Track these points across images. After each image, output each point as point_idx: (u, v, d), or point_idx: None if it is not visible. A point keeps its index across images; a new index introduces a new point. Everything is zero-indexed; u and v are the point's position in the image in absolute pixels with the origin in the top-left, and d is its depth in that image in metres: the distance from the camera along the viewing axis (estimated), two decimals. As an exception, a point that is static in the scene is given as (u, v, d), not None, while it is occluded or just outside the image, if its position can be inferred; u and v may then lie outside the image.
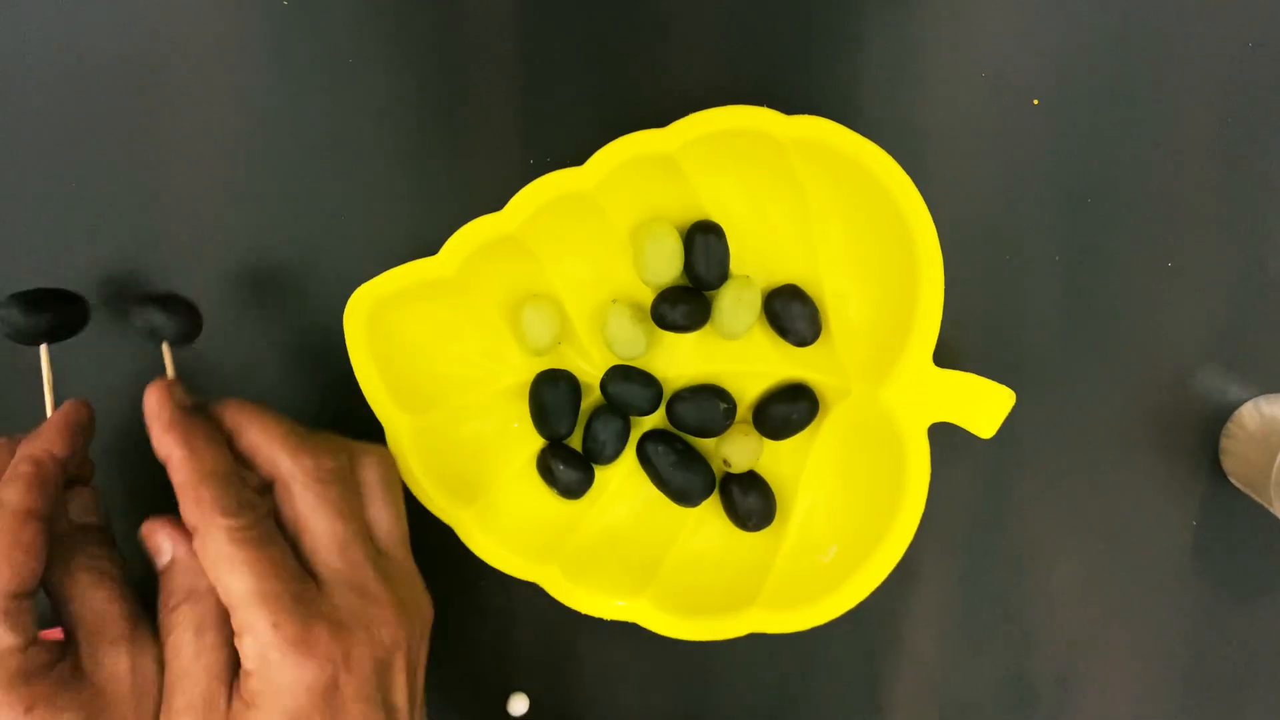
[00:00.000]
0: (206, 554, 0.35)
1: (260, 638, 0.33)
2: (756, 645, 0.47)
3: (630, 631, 0.46)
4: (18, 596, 0.33)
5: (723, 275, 0.46)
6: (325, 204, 0.48)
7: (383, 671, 0.36)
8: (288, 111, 0.48)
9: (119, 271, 0.49)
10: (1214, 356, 0.50)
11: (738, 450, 0.47)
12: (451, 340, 0.47)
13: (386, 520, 0.40)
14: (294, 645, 0.33)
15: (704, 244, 0.45)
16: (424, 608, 0.40)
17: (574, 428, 0.48)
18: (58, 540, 0.36)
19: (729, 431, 0.47)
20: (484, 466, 0.48)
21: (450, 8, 0.47)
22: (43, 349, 0.46)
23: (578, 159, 0.43)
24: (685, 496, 0.47)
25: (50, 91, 0.48)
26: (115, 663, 0.35)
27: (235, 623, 0.34)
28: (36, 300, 0.45)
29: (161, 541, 0.38)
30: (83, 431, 0.39)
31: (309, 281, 0.49)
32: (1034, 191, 0.48)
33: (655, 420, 0.49)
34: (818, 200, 0.45)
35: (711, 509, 0.48)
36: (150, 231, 0.49)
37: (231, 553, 0.34)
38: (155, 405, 0.39)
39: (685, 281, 0.47)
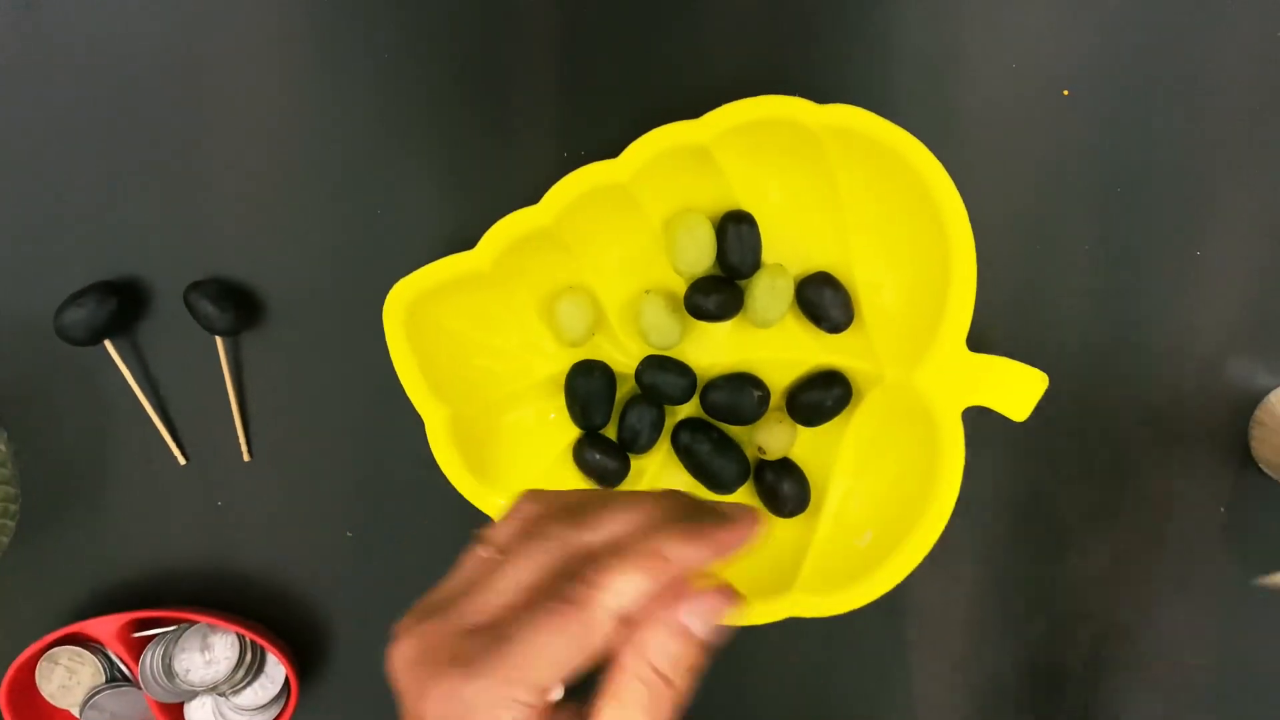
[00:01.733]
0: None
1: None
2: (790, 631, 0.47)
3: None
4: (548, 691, 0.30)
5: (755, 264, 0.47)
6: (363, 200, 0.49)
7: None
8: (326, 107, 0.49)
9: (171, 264, 0.50)
10: (1243, 344, 0.50)
11: (772, 437, 0.47)
12: (488, 332, 0.48)
13: None
14: None
15: (737, 233, 0.46)
16: None
17: (610, 418, 0.48)
18: (641, 638, 0.32)
19: (763, 419, 0.48)
20: (521, 457, 0.48)
21: (488, 5, 0.48)
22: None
23: (612, 152, 0.43)
24: (720, 484, 0.48)
25: (99, 92, 0.49)
26: None
27: None
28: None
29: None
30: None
31: (348, 276, 0.50)
32: (1064, 180, 0.49)
33: (690, 409, 0.49)
34: (850, 188, 0.45)
35: (747, 496, 0.49)
36: (196, 225, 0.50)
37: None
38: None
39: (718, 271, 0.47)
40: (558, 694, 0.30)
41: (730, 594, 0.32)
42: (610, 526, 0.32)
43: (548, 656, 0.30)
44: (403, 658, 0.31)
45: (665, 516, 0.32)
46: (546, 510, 0.34)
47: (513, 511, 0.34)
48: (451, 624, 0.31)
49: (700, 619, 0.32)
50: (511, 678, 0.30)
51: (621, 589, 0.30)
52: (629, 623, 0.30)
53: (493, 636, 0.31)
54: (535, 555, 0.32)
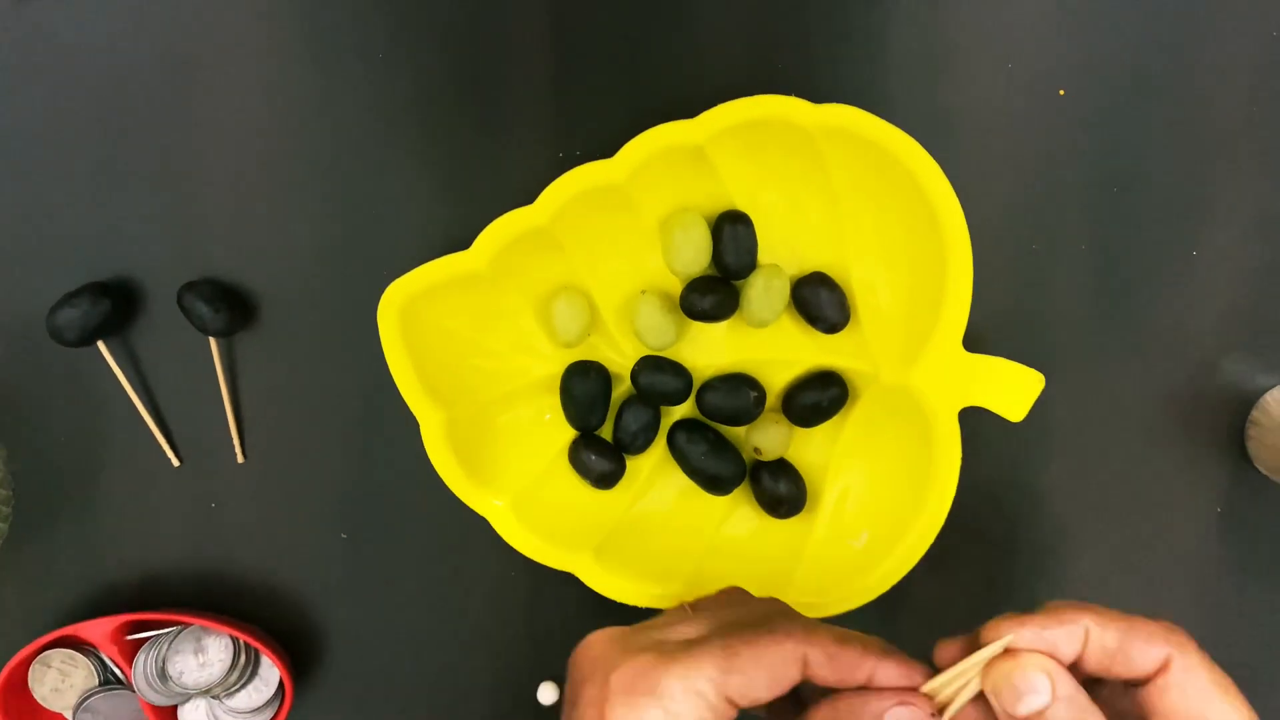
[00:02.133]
0: (1190, 679, 0.30)
1: None
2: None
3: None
4: (715, 707, 0.30)
5: (751, 264, 0.46)
6: (358, 200, 0.49)
7: None
8: (319, 108, 0.49)
9: (164, 265, 0.50)
10: (1239, 344, 0.50)
11: (768, 438, 0.47)
12: (483, 333, 0.48)
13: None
14: None
15: (732, 234, 0.46)
16: None
17: (605, 418, 0.48)
18: None
19: (759, 420, 0.48)
20: (516, 458, 0.48)
21: (481, 5, 0.48)
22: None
23: (607, 152, 0.43)
24: (716, 485, 0.48)
25: (92, 92, 0.49)
26: None
27: None
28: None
29: (1034, 679, 0.30)
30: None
31: (342, 277, 0.50)
32: (1060, 179, 0.49)
33: (685, 410, 0.49)
34: (846, 188, 0.45)
35: (743, 497, 0.49)
36: (190, 226, 0.50)
37: (1220, 675, 0.31)
38: (1048, 623, 0.31)
39: (714, 271, 0.47)
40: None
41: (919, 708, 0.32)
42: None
43: (745, 669, 0.30)
44: (597, 644, 0.33)
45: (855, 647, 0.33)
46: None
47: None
48: (651, 634, 0.33)
49: None
50: (706, 674, 0.30)
51: (814, 666, 0.31)
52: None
53: (692, 642, 0.32)
54: (729, 609, 0.34)
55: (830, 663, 0.32)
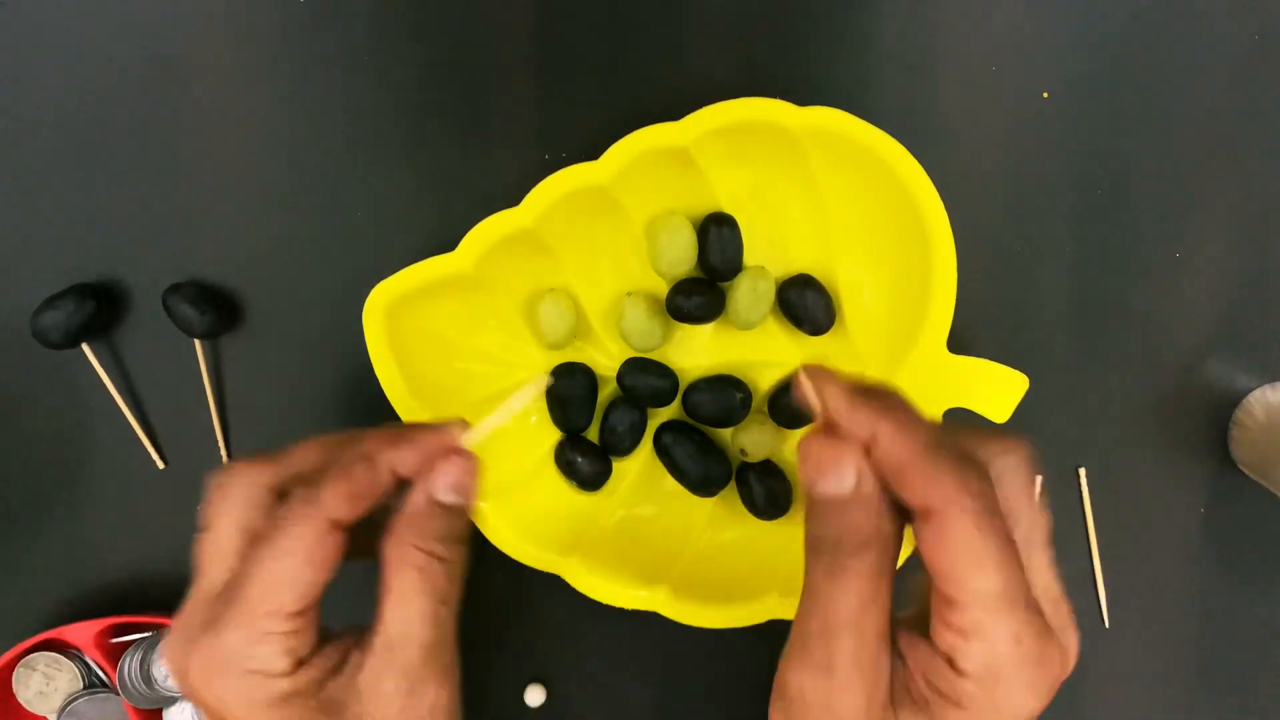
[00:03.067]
0: (942, 541, 0.28)
1: (995, 647, 0.28)
2: (775, 634, 0.47)
3: (648, 621, 0.47)
4: (301, 614, 0.31)
5: (737, 266, 0.47)
6: (343, 202, 0.49)
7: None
8: (304, 109, 0.49)
9: (149, 267, 0.50)
10: (1222, 345, 0.50)
11: (754, 440, 0.47)
12: (469, 335, 0.48)
13: (1042, 525, 0.32)
14: (1031, 664, 0.29)
15: (718, 235, 0.46)
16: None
17: (591, 420, 0.48)
18: (394, 528, 0.33)
19: (745, 421, 0.48)
20: (503, 460, 0.48)
21: (467, 6, 0.48)
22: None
23: (593, 153, 0.43)
24: (703, 486, 0.48)
25: (76, 94, 0.49)
26: (390, 693, 0.32)
27: (959, 619, 0.29)
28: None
29: (847, 469, 0.30)
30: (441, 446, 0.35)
31: (327, 279, 0.49)
32: (1044, 182, 0.49)
33: (672, 411, 0.49)
34: (831, 190, 0.45)
35: (729, 498, 0.49)
36: (175, 228, 0.49)
37: (979, 544, 0.28)
38: (829, 385, 0.31)
39: (700, 273, 0.47)
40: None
41: (464, 457, 0.34)
42: (301, 459, 0.34)
43: (280, 581, 0.31)
44: (170, 655, 0.32)
45: (365, 436, 0.34)
46: (239, 472, 0.34)
47: (211, 490, 0.34)
48: (193, 602, 0.32)
49: (446, 487, 0.33)
50: (256, 614, 0.30)
51: (328, 498, 0.32)
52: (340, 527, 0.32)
53: (229, 591, 0.31)
54: (231, 511, 0.33)
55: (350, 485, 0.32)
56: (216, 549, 0.33)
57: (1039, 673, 0.29)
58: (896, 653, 0.31)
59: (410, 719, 0.32)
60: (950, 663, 0.29)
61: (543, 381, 0.38)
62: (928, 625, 0.30)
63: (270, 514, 0.32)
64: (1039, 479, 0.33)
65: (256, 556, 0.31)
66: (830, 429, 0.31)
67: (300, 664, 0.31)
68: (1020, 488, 0.31)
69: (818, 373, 0.32)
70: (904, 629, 0.31)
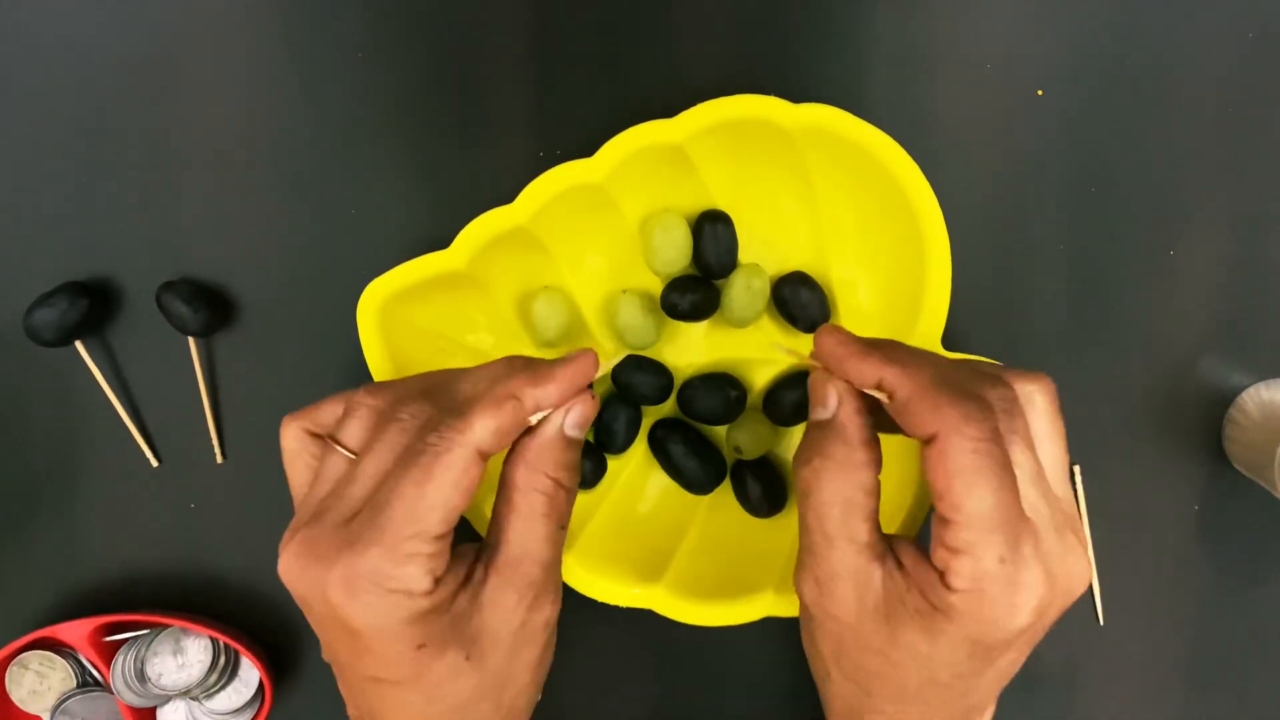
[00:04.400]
0: (944, 466, 0.31)
1: (982, 565, 0.31)
2: (769, 630, 0.47)
3: (643, 619, 0.47)
4: (442, 537, 0.33)
5: (732, 264, 0.47)
6: (337, 199, 0.49)
7: (1048, 626, 0.34)
8: (298, 107, 0.49)
9: (143, 265, 0.50)
10: (1216, 343, 0.50)
11: (749, 437, 0.47)
12: (463, 333, 0.48)
13: (1058, 457, 0.36)
14: (1013, 586, 0.31)
15: (713, 233, 0.46)
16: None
17: (586, 418, 0.48)
18: (523, 456, 0.36)
19: (740, 419, 0.48)
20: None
21: (460, 4, 0.48)
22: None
23: (587, 151, 0.43)
24: (697, 484, 0.48)
25: (69, 90, 0.49)
26: (513, 606, 0.35)
27: (952, 538, 0.31)
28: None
29: (829, 395, 0.36)
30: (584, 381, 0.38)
31: (321, 276, 0.49)
32: (1038, 180, 0.49)
33: (666, 409, 0.49)
34: (825, 188, 0.45)
35: (724, 496, 0.49)
36: (168, 225, 0.49)
37: (975, 468, 0.31)
38: (844, 341, 0.36)
39: (694, 270, 0.47)
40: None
41: (591, 396, 0.37)
42: (460, 393, 0.36)
43: (429, 505, 0.32)
44: (292, 566, 0.33)
45: (509, 372, 0.36)
46: (394, 398, 0.36)
47: (352, 410, 0.37)
48: (328, 521, 0.33)
49: (574, 423, 0.37)
50: (402, 534, 0.32)
51: (478, 428, 0.33)
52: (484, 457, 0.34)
53: (371, 511, 0.33)
54: (391, 439, 0.35)
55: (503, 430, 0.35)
56: (364, 472, 0.34)
57: (1023, 594, 0.31)
58: (902, 569, 0.34)
59: (528, 631, 0.35)
60: (942, 578, 0.32)
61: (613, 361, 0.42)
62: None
63: (416, 439, 0.34)
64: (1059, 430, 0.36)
65: (400, 480, 0.33)
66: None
67: (437, 583, 0.33)
68: (1037, 416, 0.35)
69: (831, 330, 0.37)
70: (909, 547, 0.34)
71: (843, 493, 0.34)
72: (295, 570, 0.33)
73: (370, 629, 0.32)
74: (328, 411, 0.38)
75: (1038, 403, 0.35)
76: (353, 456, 0.36)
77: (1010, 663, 0.34)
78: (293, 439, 0.38)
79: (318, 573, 0.32)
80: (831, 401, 0.36)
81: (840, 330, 0.37)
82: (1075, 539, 0.33)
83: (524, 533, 0.35)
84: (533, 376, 0.36)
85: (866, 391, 0.35)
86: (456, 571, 0.34)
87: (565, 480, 0.36)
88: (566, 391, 0.36)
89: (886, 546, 0.35)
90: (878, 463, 0.35)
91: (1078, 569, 0.33)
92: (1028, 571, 0.31)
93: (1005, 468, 0.31)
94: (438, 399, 0.36)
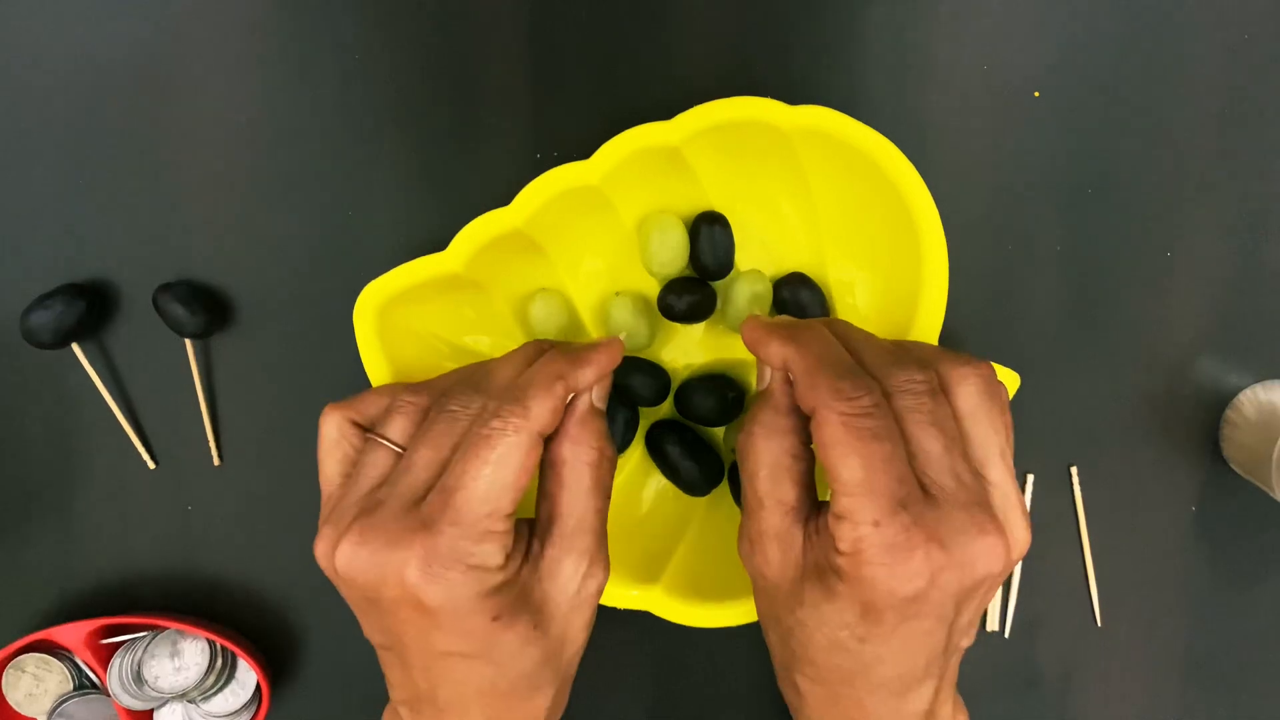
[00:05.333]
0: (821, 437, 0.34)
1: (859, 529, 0.32)
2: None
3: (640, 620, 0.47)
4: (511, 515, 0.35)
5: (729, 265, 0.47)
6: (334, 201, 0.49)
7: (963, 600, 0.34)
8: (295, 109, 0.49)
9: (140, 267, 0.50)
10: (1213, 344, 0.50)
11: (746, 439, 0.47)
12: (460, 335, 0.48)
13: (987, 438, 0.36)
14: (890, 549, 0.32)
15: (709, 235, 0.46)
16: (1020, 540, 0.35)
17: (583, 419, 0.48)
18: (567, 432, 0.38)
19: (737, 419, 0.48)
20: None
21: (457, 6, 0.48)
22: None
23: (584, 153, 0.43)
24: (695, 485, 0.48)
25: (66, 94, 0.49)
26: (570, 575, 0.37)
27: (837, 505, 0.33)
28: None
29: (764, 370, 0.39)
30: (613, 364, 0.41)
31: (318, 278, 0.49)
32: (1035, 181, 0.49)
33: (664, 410, 0.49)
34: (822, 190, 0.45)
35: (722, 497, 0.49)
36: (165, 227, 0.49)
37: (844, 439, 0.33)
38: (756, 327, 0.39)
39: (691, 272, 0.47)
40: None
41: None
42: (502, 381, 0.38)
43: (501, 483, 0.35)
44: (358, 555, 0.35)
45: (544, 356, 0.39)
46: (438, 393, 0.39)
47: (398, 406, 0.39)
48: (391, 509, 0.35)
49: (600, 396, 0.39)
50: (479, 513, 0.34)
51: (536, 411, 0.36)
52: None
53: (441, 495, 0.35)
54: (445, 429, 0.37)
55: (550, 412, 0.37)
56: (420, 460, 0.36)
57: (902, 558, 0.32)
58: (819, 533, 0.36)
59: (582, 596, 0.38)
60: (833, 541, 0.34)
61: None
62: None
63: (478, 426, 0.36)
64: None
65: (469, 464, 0.35)
66: None
67: (508, 558, 0.35)
68: (965, 397, 0.36)
69: (752, 317, 0.40)
70: (829, 513, 0.35)
71: (771, 455, 0.37)
72: (363, 558, 0.34)
73: (449, 605, 0.34)
74: (372, 404, 0.40)
75: (968, 384, 0.36)
76: (399, 450, 0.38)
77: (923, 633, 0.34)
78: (334, 428, 0.40)
79: (392, 556, 0.34)
80: (765, 375, 0.39)
81: (758, 317, 0.40)
82: (986, 517, 0.33)
83: (576, 505, 0.38)
84: (572, 360, 0.38)
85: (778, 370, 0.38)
86: (519, 546, 0.37)
87: (606, 450, 0.39)
88: (601, 373, 0.39)
89: (813, 510, 0.37)
90: (804, 429, 0.37)
91: (981, 547, 0.33)
92: (906, 536, 0.32)
93: (880, 439, 0.33)
94: (483, 390, 0.38)
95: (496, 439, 0.35)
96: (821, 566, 0.35)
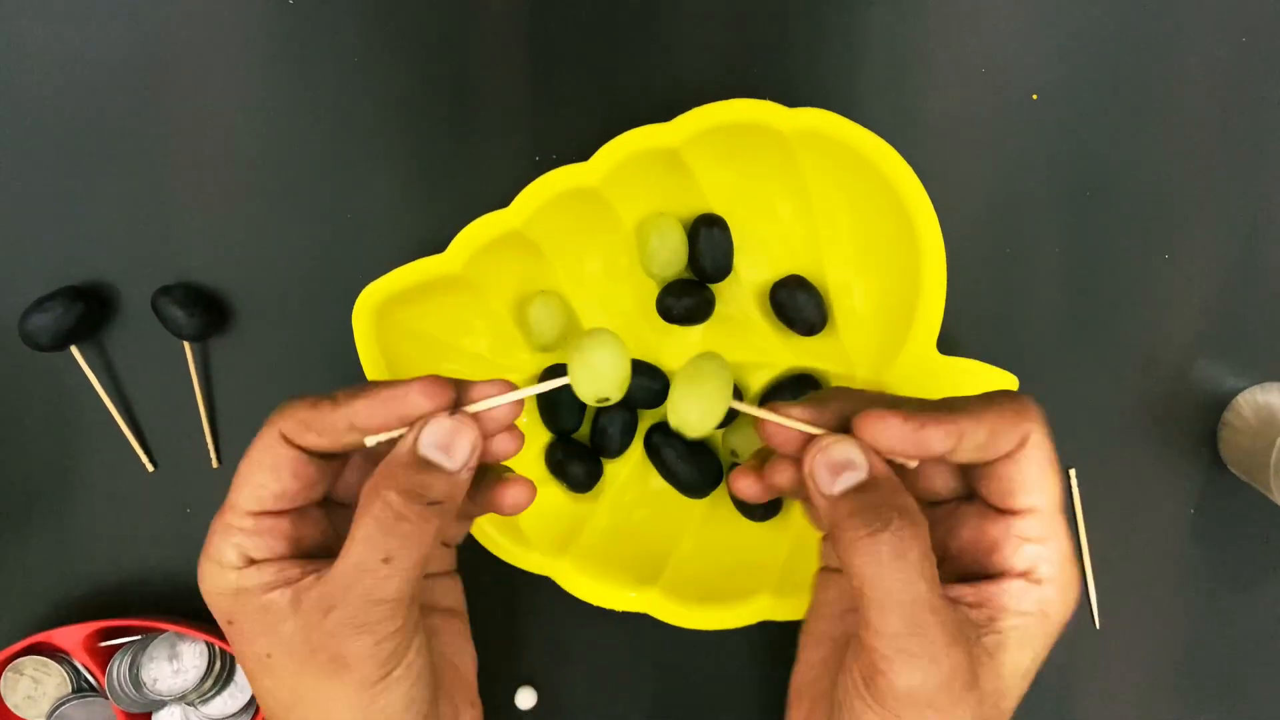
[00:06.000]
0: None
1: (1061, 549, 0.33)
2: (765, 634, 0.47)
3: (639, 623, 0.47)
4: (257, 516, 0.33)
5: (727, 268, 0.47)
6: (333, 203, 0.49)
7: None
8: (294, 111, 0.49)
9: (138, 269, 0.50)
10: (1211, 346, 0.50)
11: (745, 441, 0.47)
12: (459, 336, 0.48)
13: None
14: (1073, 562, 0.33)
15: (708, 237, 0.46)
16: None
17: (582, 422, 0.48)
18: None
19: (736, 422, 0.48)
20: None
21: (456, 8, 0.48)
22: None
23: (583, 155, 0.43)
24: (693, 488, 0.48)
25: (65, 96, 0.49)
26: (333, 623, 0.32)
27: (1033, 530, 0.33)
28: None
29: (852, 454, 0.32)
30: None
31: (317, 280, 0.49)
32: (1033, 184, 0.49)
33: (662, 413, 0.49)
34: (820, 192, 0.45)
35: (719, 500, 0.49)
36: (164, 230, 0.49)
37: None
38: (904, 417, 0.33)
39: (690, 274, 0.47)
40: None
41: (457, 419, 0.33)
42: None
43: (240, 478, 0.33)
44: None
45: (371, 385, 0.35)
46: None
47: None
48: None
49: (429, 443, 0.33)
50: (226, 510, 0.34)
51: (286, 412, 0.34)
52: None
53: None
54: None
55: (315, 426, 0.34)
56: None
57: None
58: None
59: (325, 656, 0.31)
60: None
61: (561, 381, 0.36)
62: None
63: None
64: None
65: (242, 466, 0.34)
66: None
67: (251, 563, 0.33)
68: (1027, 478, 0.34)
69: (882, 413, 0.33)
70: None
71: (916, 558, 0.31)
72: None
73: (204, 593, 0.34)
74: None
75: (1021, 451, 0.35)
76: None
77: None
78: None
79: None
80: (859, 464, 0.32)
81: (888, 407, 0.33)
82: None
83: (349, 554, 0.32)
84: (362, 388, 0.34)
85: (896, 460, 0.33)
86: (289, 568, 0.33)
87: (400, 506, 0.32)
88: (378, 412, 0.33)
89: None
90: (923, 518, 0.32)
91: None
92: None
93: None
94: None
95: (259, 436, 0.34)
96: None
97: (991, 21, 0.48)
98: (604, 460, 0.48)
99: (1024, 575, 0.33)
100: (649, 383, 0.47)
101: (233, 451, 0.51)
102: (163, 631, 0.50)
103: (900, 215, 0.43)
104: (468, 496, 0.36)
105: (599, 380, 0.35)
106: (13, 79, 0.48)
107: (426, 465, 0.33)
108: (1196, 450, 0.51)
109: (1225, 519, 0.52)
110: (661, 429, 0.48)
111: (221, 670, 0.50)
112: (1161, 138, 0.49)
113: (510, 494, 0.36)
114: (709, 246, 0.46)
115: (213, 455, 0.50)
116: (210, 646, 0.50)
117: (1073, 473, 0.51)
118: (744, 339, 0.48)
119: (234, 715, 0.51)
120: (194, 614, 0.51)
